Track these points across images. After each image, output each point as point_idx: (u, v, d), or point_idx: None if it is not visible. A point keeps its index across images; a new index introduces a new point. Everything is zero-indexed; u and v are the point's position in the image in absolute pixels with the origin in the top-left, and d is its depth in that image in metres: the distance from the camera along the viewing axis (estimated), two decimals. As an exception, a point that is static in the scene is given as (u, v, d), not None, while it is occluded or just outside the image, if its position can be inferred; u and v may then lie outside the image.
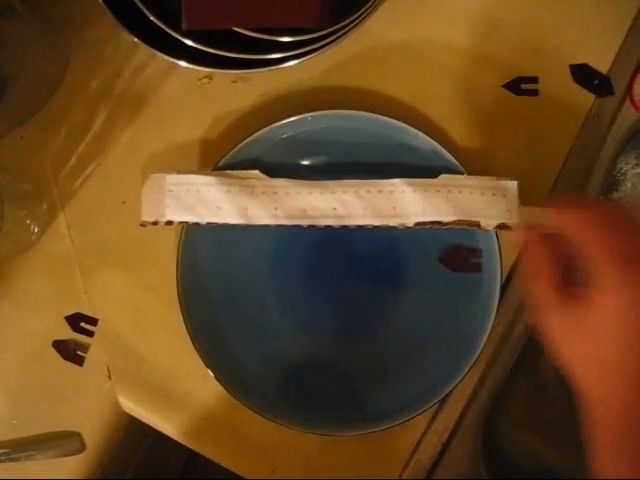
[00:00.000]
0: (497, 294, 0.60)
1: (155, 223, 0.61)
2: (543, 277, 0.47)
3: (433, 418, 0.63)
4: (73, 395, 0.66)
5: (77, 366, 0.66)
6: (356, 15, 0.59)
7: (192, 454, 0.66)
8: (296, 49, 0.59)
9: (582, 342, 0.44)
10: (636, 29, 0.64)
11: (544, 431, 0.69)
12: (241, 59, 0.59)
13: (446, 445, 0.63)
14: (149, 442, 0.84)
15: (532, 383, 0.69)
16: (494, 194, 0.59)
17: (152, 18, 0.58)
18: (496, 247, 0.60)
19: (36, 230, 0.66)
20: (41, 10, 0.69)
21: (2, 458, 0.64)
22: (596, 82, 0.64)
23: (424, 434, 0.63)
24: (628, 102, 0.65)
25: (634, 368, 0.41)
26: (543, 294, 0.46)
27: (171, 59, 0.60)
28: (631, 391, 0.42)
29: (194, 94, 0.67)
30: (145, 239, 0.65)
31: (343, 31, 0.60)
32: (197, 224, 0.60)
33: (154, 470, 0.95)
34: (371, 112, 0.61)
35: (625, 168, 0.69)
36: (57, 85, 0.68)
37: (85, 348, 0.66)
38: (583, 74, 0.64)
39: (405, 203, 0.59)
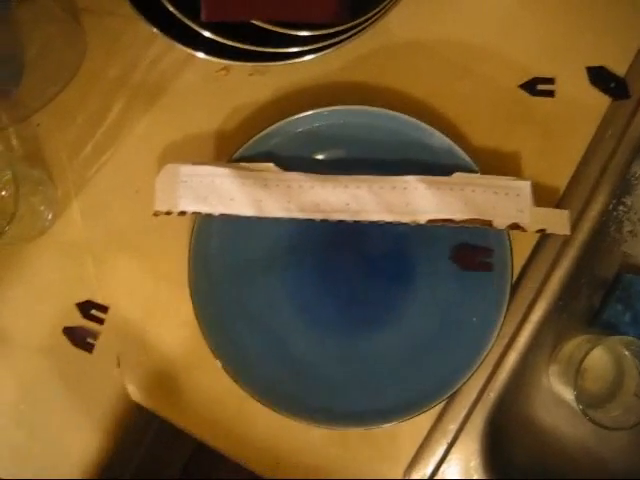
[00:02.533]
0: (507, 293, 0.60)
1: (168, 213, 0.61)
2: None
3: (439, 417, 0.63)
4: (82, 382, 0.66)
5: (87, 353, 0.66)
6: (374, 12, 0.59)
7: (197, 445, 0.66)
8: (314, 44, 0.59)
9: None
10: (654, 33, 0.64)
11: (548, 432, 0.69)
12: (258, 52, 0.59)
13: (451, 444, 0.63)
14: (154, 431, 0.84)
15: (537, 384, 0.69)
16: (507, 194, 0.59)
17: (171, 9, 0.58)
18: (508, 247, 0.60)
19: (50, 216, 0.67)
20: (62, -3, 0.69)
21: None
22: (612, 85, 0.64)
23: (430, 432, 0.63)
24: (644, 106, 0.65)
25: None
26: None
27: (189, 50, 0.61)
28: None
29: (211, 86, 0.67)
30: (158, 229, 0.65)
31: (361, 27, 0.60)
32: (210, 215, 0.61)
33: (156, 465, 0.95)
34: (387, 109, 0.61)
35: (639, 172, 0.69)
36: (75, 72, 0.69)
37: (95, 335, 0.66)
38: (600, 76, 0.64)
39: (418, 200, 0.59)
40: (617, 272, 0.70)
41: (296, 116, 0.62)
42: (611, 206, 0.67)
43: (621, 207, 0.69)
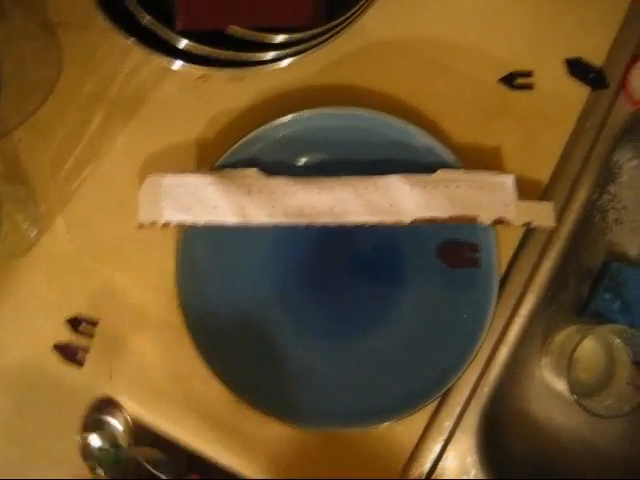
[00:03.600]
0: (496, 288, 0.60)
1: (153, 224, 0.61)
2: None
3: (434, 414, 0.64)
4: (74, 397, 0.66)
5: (78, 368, 0.66)
6: (349, 13, 0.59)
7: (191, 456, 0.65)
8: (290, 48, 0.59)
9: None
10: (629, 23, 0.65)
11: (543, 424, 0.69)
12: (236, 59, 0.59)
13: (447, 441, 0.63)
14: (148, 442, 0.84)
15: (531, 377, 0.69)
16: (491, 189, 0.59)
17: (146, 19, 0.58)
18: (494, 242, 0.60)
19: (34, 233, 0.66)
20: (35, 13, 0.69)
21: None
22: (591, 76, 0.64)
23: (426, 430, 0.63)
24: (623, 95, 0.65)
25: None
26: None
27: (166, 60, 0.60)
28: None
29: (189, 94, 0.67)
30: (144, 240, 0.65)
31: (337, 29, 0.60)
32: (195, 225, 0.60)
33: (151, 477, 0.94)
34: (367, 109, 0.61)
35: (621, 161, 0.69)
36: (52, 88, 0.68)
37: (86, 350, 0.66)
38: (578, 68, 0.65)
39: (403, 199, 0.59)
40: (604, 261, 0.71)
41: (276, 121, 0.61)
42: (595, 195, 0.68)
43: (605, 196, 0.69)
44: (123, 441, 0.63)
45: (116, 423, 0.64)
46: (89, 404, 0.65)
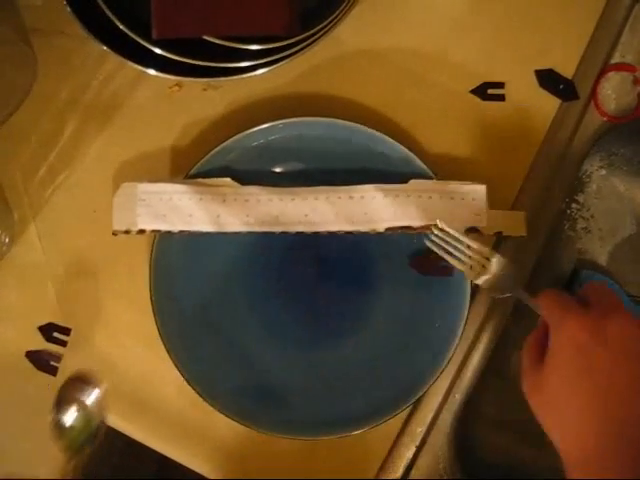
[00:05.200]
0: (468, 296, 0.60)
1: (127, 232, 0.61)
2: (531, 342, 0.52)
3: (407, 420, 0.64)
4: (46, 405, 0.66)
5: (51, 376, 0.66)
6: (325, 23, 0.60)
7: (164, 460, 0.66)
8: (266, 57, 0.60)
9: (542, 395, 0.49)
10: (599, 35, 0.65)
11: (515, 429, 0.70)
12: (211, 67, 0.59)
13: (420, 447, 0.64)
14: (121, 448, 0.83)
15: (502, 383, 0.70)
16: (463, 198, 0.60)
17: (121, 27, 0.58)
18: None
19: (7, 241, 0.66)
20: (10, 18, 0.68)
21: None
22: (561, 87, 0.65)
23: (398, 436, 0.64)
24: (592, 106, 0.66)
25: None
26: (526, 355, 0.52)
27: (140, 68, 0.60)
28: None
29: (164, 102, 0.67)
30: (117, 248, 0.65)
31: (312, 39, 0.60)
32: (169, 232, 0.60)
33: (127, 476, 0.94)
34: (341, 119, 0.62)
35: (590, 170, 0.70)
36: (26, 94, 0.68)
37: (58, 358, 0.66)
38: (548, 79, 0.65)
39: (376, 208, 0.60)
40: (574, 268, 0.72)
41: (251, 130, 0.62)
42: (564, 205, 0.69)
43: (574, 205, 0.70)
44: (97, 418, 0.62)
45: (90, 399, 0.63)
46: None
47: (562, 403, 0.47)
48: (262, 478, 0.64)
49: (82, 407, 0.62)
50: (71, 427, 0.61)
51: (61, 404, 0.62)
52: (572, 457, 0.47)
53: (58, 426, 0.61)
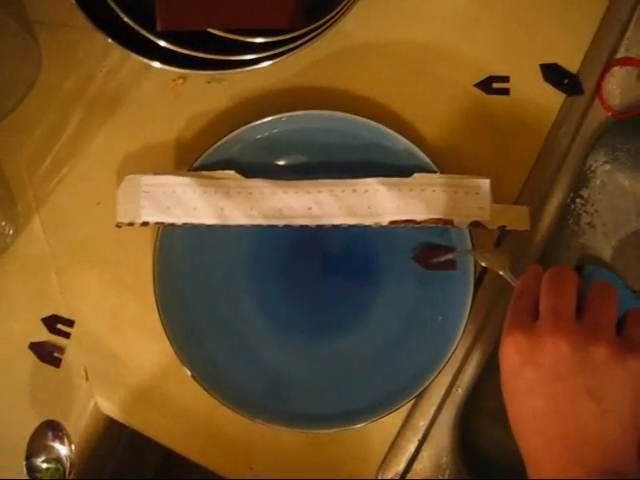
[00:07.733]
0: (471, 291, 0.60)
1: (131, 224, 0.61)
2: (524, 297, 0.51)
3: (409, 414, 0.64)
4: (50, 397, 0.66)
5: (54, 368, 0.66)
6: (330, 16, 0.60)
7: (168, 452, 0.66)
8: (270, 50, 0.60)
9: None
10: (604, 30, 0.65)
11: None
12: (215, 60, 0.59)
13: (422, 441, 0.64)
14: (125, 441, 0.84)
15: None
16: (467, 192, 0.60)
17: (126, 19, 0.58)
18: (469, 245, 0.60)
19: (11, 232, 0.66)
20: (15, 10, 0.68)
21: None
22: (566, 81, 0.65)
23: (400, 430, 0.64)
24: (597, 101, 0.66)
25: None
26: (517, 310, 0.50)
27: (145, 60, 0.60)
28: None
29: (168, 95, 0.67)
30: (121, 240, 0.65)
31: (317, 32, 0.60)
32: (173, 225, 0.61)
33: (131, 469, 0.95)
34: (345, 112, 0.61)
35: (594, 165, 0.70)
36: (31, 86, 0.68)
37: (62, 350, 0.66)
38: (553, 73, 0.65)
39: (379, 202, 0.60)
40: (577, 264, 0.71)
41: (255, 123, 0.62)
42: (569, 200, 0.68)
43: (578, 200, 0.70)
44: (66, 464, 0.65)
45: (60, 447, 0.65)
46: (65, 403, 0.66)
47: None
48: (266, 472, 0.64)
49: (52, 454, 0.65)
50: (46, 469, 0.64)
51: (32, 453, 0.65)
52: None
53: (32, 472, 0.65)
